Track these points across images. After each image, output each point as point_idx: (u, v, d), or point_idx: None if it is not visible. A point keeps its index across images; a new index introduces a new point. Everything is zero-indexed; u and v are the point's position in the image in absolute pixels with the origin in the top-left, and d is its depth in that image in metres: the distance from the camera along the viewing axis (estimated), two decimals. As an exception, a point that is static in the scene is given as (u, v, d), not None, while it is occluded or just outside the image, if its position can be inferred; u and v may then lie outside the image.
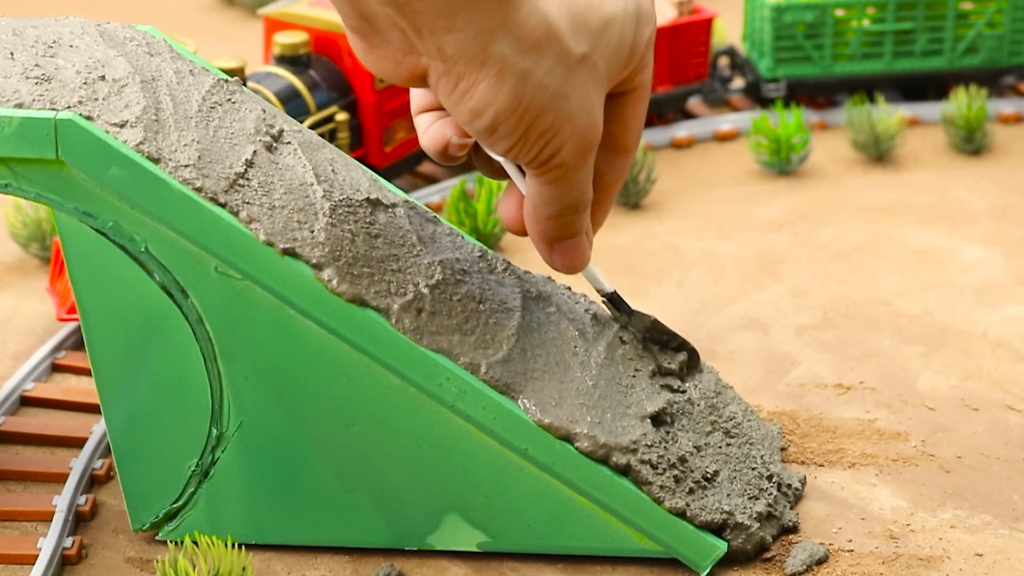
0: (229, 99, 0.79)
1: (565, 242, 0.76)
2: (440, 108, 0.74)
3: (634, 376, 0.80)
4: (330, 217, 0.76)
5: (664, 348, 0.84)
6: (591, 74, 0.69)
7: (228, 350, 0.76)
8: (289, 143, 0.79)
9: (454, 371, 0.75)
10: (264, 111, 0.80)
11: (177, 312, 0.76)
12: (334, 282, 0.74)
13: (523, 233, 0.77)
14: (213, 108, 0.78)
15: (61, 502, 0.82)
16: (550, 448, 0.76)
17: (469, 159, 0.76)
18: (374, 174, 0.83)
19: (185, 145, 0.75)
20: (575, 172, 0.71)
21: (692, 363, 0.85)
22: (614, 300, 0.83)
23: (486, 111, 0.67)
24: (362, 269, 0.75)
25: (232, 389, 0.77)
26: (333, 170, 0.79)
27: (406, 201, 0.81)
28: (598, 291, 0.83)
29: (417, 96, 0.75)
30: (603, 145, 0.75)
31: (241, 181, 0.75)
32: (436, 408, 0.76)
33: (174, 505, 0.79)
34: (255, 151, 0.77)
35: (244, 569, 0.76)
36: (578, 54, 0.68)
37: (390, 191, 0.82)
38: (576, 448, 0.76)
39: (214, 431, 0.78)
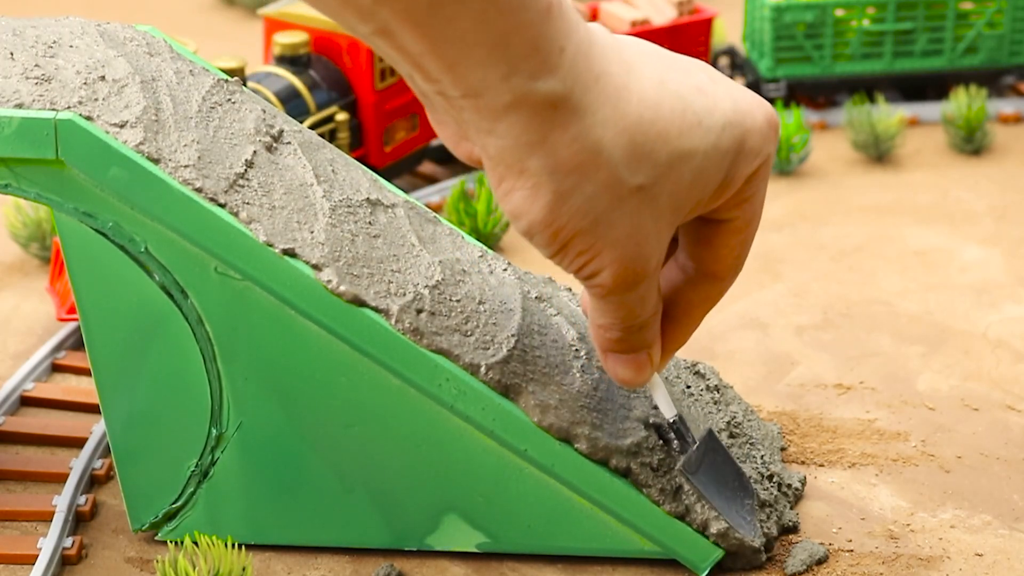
0: (229, 99, 0.79)
1: (620, 355, 0.72)
2: None
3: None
4: (330, 217, 0.76)
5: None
6: (648, 205, 0.65)
7: (228, 350, 0.76)
8: (289, 143, 0.79)
9: (454, 372, 0.75)
10: (264, 111, 0.80)
11: (177, 312, 0.76)
12: (334, 282, 0.74)
13: None
14: (213, 108, 0.78)
15: (61, 502, 0.82)
16: (550, 449, 0.76)
17: None
18: (374, 174, 0.83)
19: (185, 145, 0.75)
20: (622, 295, 0.68)
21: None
22: (677, 429, 0.76)
23: (521, 218, 0.64)
24: (362, 269, 0.75)
25: (232, 389, 0.77)
26: (333, 170, 0.79)
27: (406, 201, 0.81)
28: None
29: None
30: (692, 266, 0.71)
31: (241, 181, 0.75)
32: (436, 409, 0.76)
33: (174, 505, 0.79)
34: (255, 151, 0.77)
35: (244, 569, 0.76)
36: (633, 185, 0.64)
37: (390, 191, 0.82)
38: (576, 449, 0.76)
39: (214, 431, 0.78)
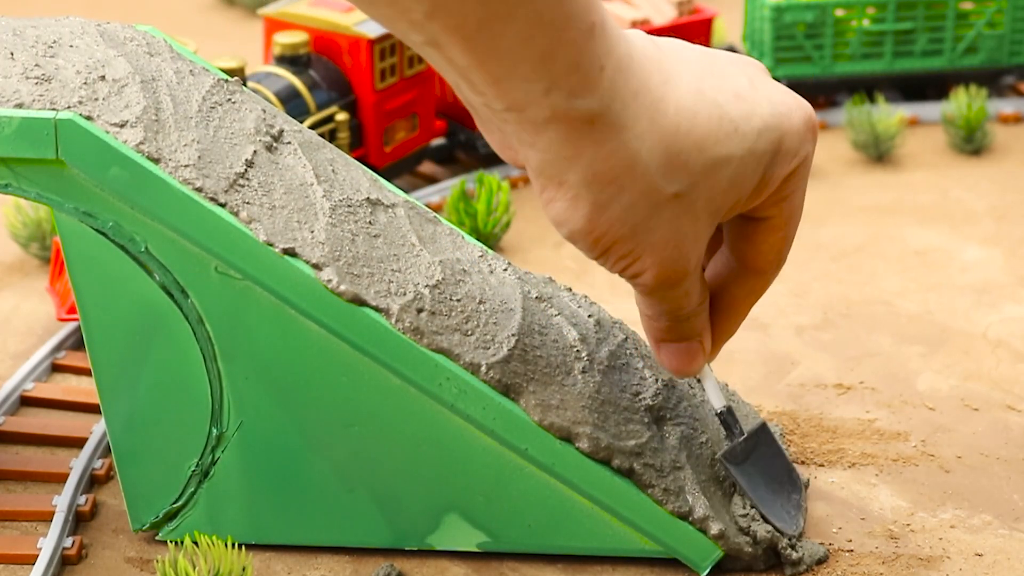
0: (229, 99, 0.79)
1: (670, 344, 0.75)
2: None
3: (640, 383, 0.80)
4: (330, 217, 0.76)
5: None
6: (685, 211, 0.67)
7: (228, 350, 0.76)
8: (289, 143, 0.79)
9: (454, 371, 0.75)
10: (264, 111, 0.80)
11: (177, 312, 0.76)
12: (334, 282, 0.74)
13: None
14: (213, 108, 0.78)
15: (61, 502, 0.82)
16: (550, 448, 0.76)
17: None
18: (374, 174, 0.83)
19: (185, 145, 0.75)
20: (664, 293, 0.70)
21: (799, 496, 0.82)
22: (724, 420, 0.79)
23: (563, 226, 0.67)
24: (362, 269, 0.75)
25: (232, 389, 0.77)
26: (333, 170, 0.79)
27: (406, 201, 0.81)
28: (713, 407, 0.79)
29: None
30: (736, 261, 0.73)
31: (241, 181, 0.75)
32: (436, 408, 0.76)
33: (174, 505, 0.79)
34: (255, 151, 0.77)
35: (244, 569, 0.76)
36: (669, 193, 0.66)
37: (390, 191, 0.82)
38: (577, 448, 0.76)
39: (214, 431, 0.78)
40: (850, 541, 0.81)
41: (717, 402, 0.78)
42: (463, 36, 0.60)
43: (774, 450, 0.80)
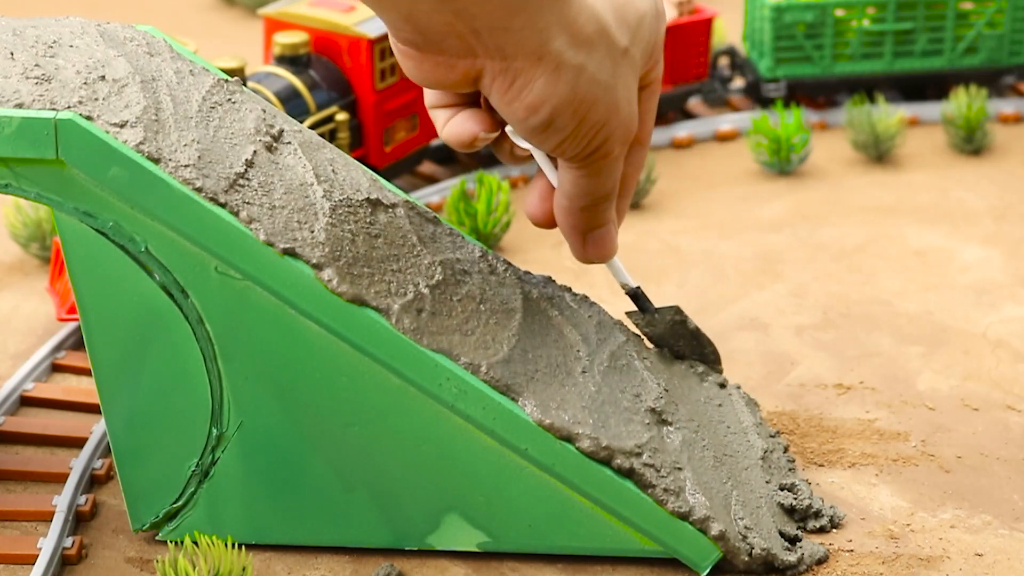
0: (229, 99, 0.79)
1: (596, 231, 0.79)
2: (456, 104, 0.76)
3: (641, 384, 0.80)
4: (330, 217, 0.76)
5: (686, 345, 0.87)
6: (631, 66, 0.72)
7: (228, 350, 0.76)
8: (289, 143, 0.79)
9: (454, 371, 0.75)
10: (264, 111, 0.80)
11: (177, 312, 0.76)
12: (334, 282, 0.74)
13: (547, 226, 0.80)
14: (213, 108, 0.78)
15: (61, 502, 0.82)
16: (550, 448, 0.76)
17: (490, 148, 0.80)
18: (374, 174, 0.83)
19: (185, 145, 0.75)
20: (616, 161, 0.75)
21: (711, 361, 0.88)
22: (637, 296, 0.85)
23: (543, 106, 0.70)
24: (362, 269, 0.75)
25: (232, 389, 0.77)
26: (333, 170, 0.79)
27: (406, 201, 0.81)
28: (622, 286, 0.85)
29: (431, 92, 0.77)
30: None
31: (241, 181, 0.75)
32: (436, 408, 0.76)
33: (174, 505, 0.79)
34: (255, 151, 0.77)
35: (244, 569, 0.76)
36: (622, 46, 0.71)
37: (390, 191, 0.82)
38: (577, 448, 0.76)
39: (214, 431, 0.78)
40: (850, 541, 0.81)
41: (629, 281, 0.84)
42: None
43: (690, 329, 0.87)
